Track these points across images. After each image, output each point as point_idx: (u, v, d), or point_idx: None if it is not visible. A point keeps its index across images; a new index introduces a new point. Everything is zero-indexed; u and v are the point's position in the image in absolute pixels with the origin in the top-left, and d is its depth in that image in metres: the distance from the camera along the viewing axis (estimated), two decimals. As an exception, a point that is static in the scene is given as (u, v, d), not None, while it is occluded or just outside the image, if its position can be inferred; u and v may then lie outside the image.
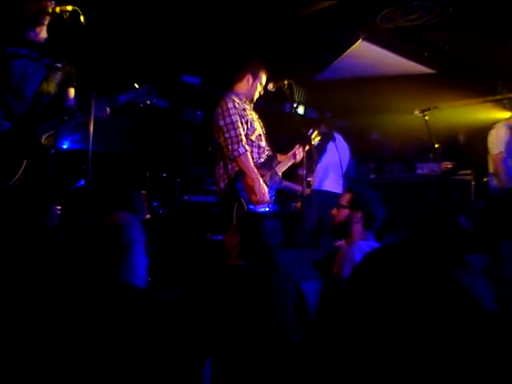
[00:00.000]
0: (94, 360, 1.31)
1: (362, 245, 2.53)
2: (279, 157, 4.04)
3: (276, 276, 2.44)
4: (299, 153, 4.01)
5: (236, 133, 3.65)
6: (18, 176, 2.73)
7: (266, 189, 3.70)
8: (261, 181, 3.68)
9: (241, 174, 3.68)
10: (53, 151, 2.89)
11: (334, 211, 2.76)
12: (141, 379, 1.31)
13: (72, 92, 3.13)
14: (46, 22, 2.94)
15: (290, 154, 4.04)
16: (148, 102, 3.02)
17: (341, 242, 2.74)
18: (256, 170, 3.69)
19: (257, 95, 3.95)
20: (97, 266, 1.58)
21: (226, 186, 3.74)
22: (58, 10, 2.75)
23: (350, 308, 0.84)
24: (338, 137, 5.31)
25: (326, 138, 5.03)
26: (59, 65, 2.97)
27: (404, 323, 0.75)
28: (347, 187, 3.27)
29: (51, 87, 2.95)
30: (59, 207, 4.11)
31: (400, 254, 0.84)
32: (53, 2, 2.85)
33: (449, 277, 0.78)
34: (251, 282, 2.35)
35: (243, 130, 3.71)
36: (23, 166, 2.76)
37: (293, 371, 2.12)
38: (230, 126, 3.66)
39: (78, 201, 4.21)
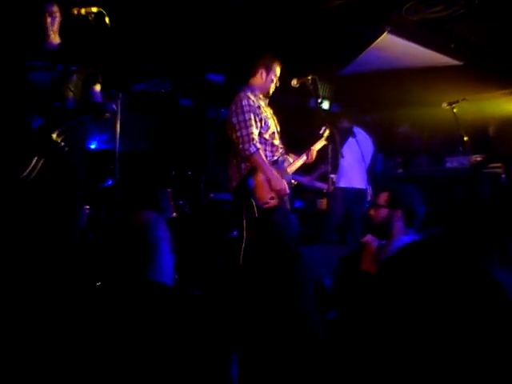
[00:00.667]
0: (123, 355, 1.33)
1: (404, 239, 2.48)
2: (292, 157, 4.00)
3: (296, 264, 2.48)
4: (311, 152, 3.97)
5: (248, 131, 3.61)
6: (29, 170, 2.78)
7: (284, 181, 3.68)
8: (276, 174, 3.66)
9: (252, 173, 3.65)
10: (66, 148, 2.91)
11: (372, 211, 2.70)
12: (170, 374, 1.33)
13: (98, 87, 3.18)
14: (56, 29, 3.05)
15: (302, 154, 4.00)
16: (162, 91, 3.01)
17: (367, 238, 2.70)
18: (270, 166, 3.68)
19: (272, 88, 3.91)
20: (125, 264, 1.60)
21: (237, 185, 3.72)
22: (83, 11, 2.78)
23: (384, 297, 0.83)
24: (359, 131, 5.24)
25: (346, 134, 4.98)
26: (73, 68, 3.03)
27: (435, 313, 0.74)
28: (383, 186, 3.22)
29: (69, 91, 3.01)
30: (88, 206, 4.18)
31: (432, 248, 0.83)
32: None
33: (479, 269, 0.76)
34: (270, 276, 2.38)
35: (256, 128, 3.67)
36: (34, 160, 2.81)
37: (317, 355, 2.13)
38: (243, 124, 3.62)
39: (106, 200, 4.28)
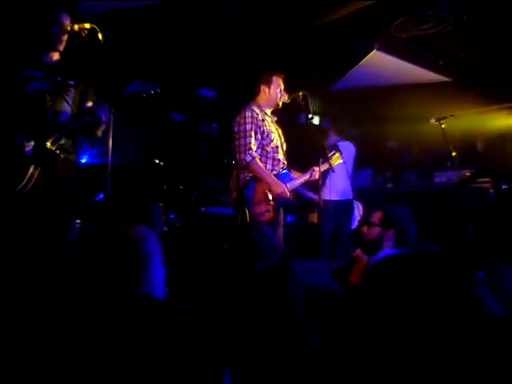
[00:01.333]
0: (113, 370, 1.33)
1: (386, 252, 2.55)
2: (294, 173, 4.06)
3: (285, 279, 2.49)
4: (315, 172, 3.99)
5: (245, 141, 3.74)
6: (25, 181, 2.76)
7: (283, 185, 3.77)
8: (275, 179, 3.77)
9: (249, 184, 3.75)
10: (62, 156, 2.90)
11: (365, 229, 2.77)
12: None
13: (90, 104, 3.13)
14: (62, 48, 3.01)
15: (306, 173, 4.03)
16: (152, 92, 3.01)
17: (357, 252, 2.74)
18: (267, 171, 3.78)
19: (280, 99, 3.99)
20: (115, 277, 1.61)
21: (236, 196, 3.83)
22: (76, 27, 2.81)
23: (366, 307, 0.85)
24: (342, 143, 5.27)
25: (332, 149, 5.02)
26: (71, 82, 3.02)
27: (414, 322, 0.77)
28: (375, 203, 3.28)
29: (65, 104, 2.99)
30: (79, 221, 4.18)
31: (412, 260, 0.86)
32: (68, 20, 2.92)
33: (461, 284, 0.79)
34: (264, 287, 2.39)
35: (256, 139, 3.78)
36: (30, 170, 2.78)
37: (313, 370, 2.13)
38: (242, 134, 3.77)
39: (97, 214, 4.27)
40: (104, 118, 2.96)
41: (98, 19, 2.97)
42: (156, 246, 1.69)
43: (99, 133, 3.07)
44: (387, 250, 2.62)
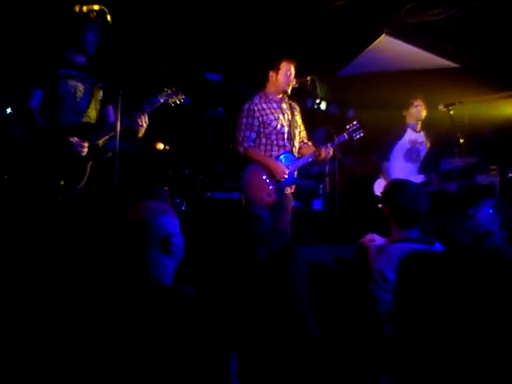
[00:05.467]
0: (123, 354, 1.33)
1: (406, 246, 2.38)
2: (301, 153, 4.08)
3: (290, 263, 2.48)
4: (320, 153, 3.95)
5: (241, 134, 3.90)
6: (85, 179, 2.94)
7: (281, 164, 3.86)
8: (272, 160, 3.87)
9: (247, 168, 3.91)
10: (110, 154, 3.05)
11: (379, 206, 2.67)
12: (168, 373, 1.33)
13: (112, 111, 3.24)
14: (91, 51, 3.04)
15: (310, 154, 4.02)
16: (178, 102, 3.24)
17: (367, 238, 2.67)
18: (264, 156, 3.89)
19: (289, 84, 3.98)
20: (122, 261, 1.59)
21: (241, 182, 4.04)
22: (84, 9, 2.80)
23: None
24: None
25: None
26: (101, 84, 3.12)
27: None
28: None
29: (95, 105, 3.11)
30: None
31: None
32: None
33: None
34: (267, 273, 2.39)
35: (253, 130, 3.90)
36: (88, 169, 2.97)
37: (314, 357, 2.14)
38: (238, 127, 3.93)
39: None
40: (140, 124, 3.11)
41: (104, 2, 2.95)
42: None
43: (140, 135, 3.22)
44: (401, 243, 2.37)
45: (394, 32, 5.13)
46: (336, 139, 3.97)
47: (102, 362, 1.33)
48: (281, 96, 4.04)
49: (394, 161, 4.83)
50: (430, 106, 5.12)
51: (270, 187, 3.83)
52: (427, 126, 5.09)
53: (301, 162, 4.01)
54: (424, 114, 4.83)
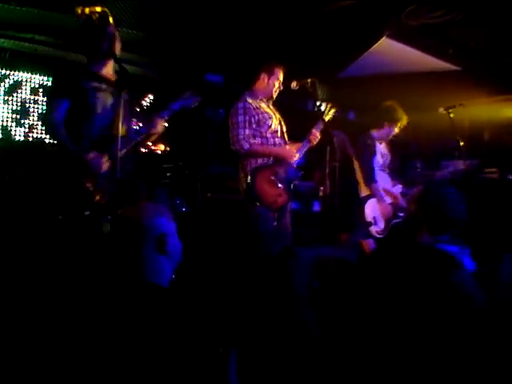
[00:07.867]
0: (121, 355, 1.33)
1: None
2: (293, 144, 4.06)
3: (292, 264, 2.50)
4: (314, 135, 4.01)
5: (238, 132, 3.80)
6: (101, 195, 2.90)
7: (289, 149, 3.90)
8: (279, 148, 3.89)
9: (252, 175, 3.78)
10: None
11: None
12: (167, 373, 1.33)
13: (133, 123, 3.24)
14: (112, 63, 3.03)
15: (306, 140, 4.05)
16: (193, 106, 3.22)
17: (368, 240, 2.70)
18: (269, 147, 3.87)
19: (276, 92, 4.01)
20: (117, 259, 1.59)
21: (245, 187, 3.83)
22: (87, 11, 2.80)
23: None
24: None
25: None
26: (126, 97, 3.03)
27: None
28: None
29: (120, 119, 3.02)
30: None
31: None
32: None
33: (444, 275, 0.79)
34: (268, 274, 2.40)
35: (250, 128, 3.83)
36: (105, 185, 2.90)
37: (313, 354, 2.15)
38: (235, 126, 3.83)
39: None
40: (157, 131, 3.13)
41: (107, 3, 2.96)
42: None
43: (152, 139, 3.27)
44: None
45: (395, 34, 5.14)
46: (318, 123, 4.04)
47: (98, 363, 1.33)
48: (266, 99, 4.05)
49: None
50: (431, 109, 5.13)
51: (279, 185, 3.80)
52: (427, 128, 5.10)
53: (302, 148, 4.02)
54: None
